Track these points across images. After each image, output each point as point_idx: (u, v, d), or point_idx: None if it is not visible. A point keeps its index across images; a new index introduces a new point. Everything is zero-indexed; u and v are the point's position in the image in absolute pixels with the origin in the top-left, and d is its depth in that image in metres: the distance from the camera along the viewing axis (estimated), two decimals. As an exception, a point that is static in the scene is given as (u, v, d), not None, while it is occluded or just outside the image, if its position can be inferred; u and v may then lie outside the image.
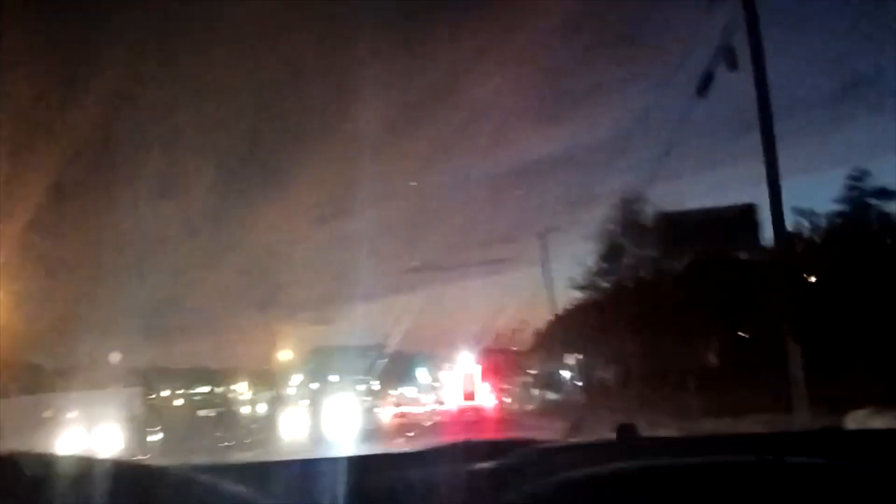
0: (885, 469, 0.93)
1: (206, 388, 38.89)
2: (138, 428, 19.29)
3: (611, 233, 23.42)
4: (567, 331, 27.31)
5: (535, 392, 38.27)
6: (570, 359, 31.59)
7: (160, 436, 20.40)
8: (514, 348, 45.10)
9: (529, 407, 31.36)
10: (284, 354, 33.83)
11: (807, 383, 10.35)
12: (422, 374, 52.96)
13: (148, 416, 21.77)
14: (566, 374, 33.18)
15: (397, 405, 32.41)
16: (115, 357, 20.49)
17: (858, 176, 17.48)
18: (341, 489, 1.22)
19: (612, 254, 23.61)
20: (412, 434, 19.39)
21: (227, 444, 19.05)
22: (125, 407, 19.57)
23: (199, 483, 1.03)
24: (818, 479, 0.88)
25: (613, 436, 1.56)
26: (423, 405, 48.24)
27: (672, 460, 1.07)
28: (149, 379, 25.23)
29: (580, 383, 30.11)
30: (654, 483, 0.92)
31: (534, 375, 42.86)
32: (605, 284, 24.94)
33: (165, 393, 32.18)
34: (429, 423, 23.97)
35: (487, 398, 24.82)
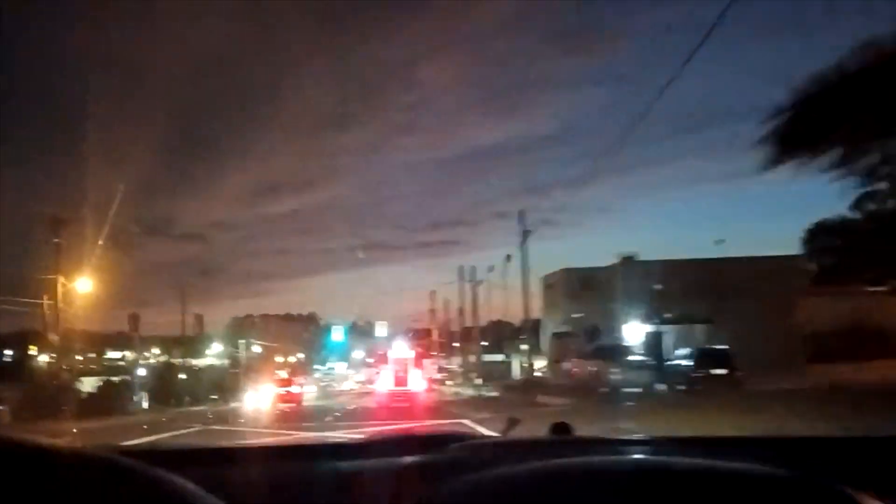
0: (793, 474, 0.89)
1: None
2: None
3: None
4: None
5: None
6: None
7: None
8: (456, 330, 40.54)
9: (480, 393, 27.60)
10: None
11: None
12: (356, 350, 47.53)
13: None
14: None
15: (283, 384, 26.24)
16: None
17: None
18: (257, 479, 1.18)
19: None
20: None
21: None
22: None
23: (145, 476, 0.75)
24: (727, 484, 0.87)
25: (547, 434, 1.56)
26: (351, 382, 42.86)
27: (608, 459, 1.10)
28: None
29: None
30: (590, 481, 0.93)
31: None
32: None
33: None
34: (345, 410, 20.40)
35: (419, 383, 21.35)
